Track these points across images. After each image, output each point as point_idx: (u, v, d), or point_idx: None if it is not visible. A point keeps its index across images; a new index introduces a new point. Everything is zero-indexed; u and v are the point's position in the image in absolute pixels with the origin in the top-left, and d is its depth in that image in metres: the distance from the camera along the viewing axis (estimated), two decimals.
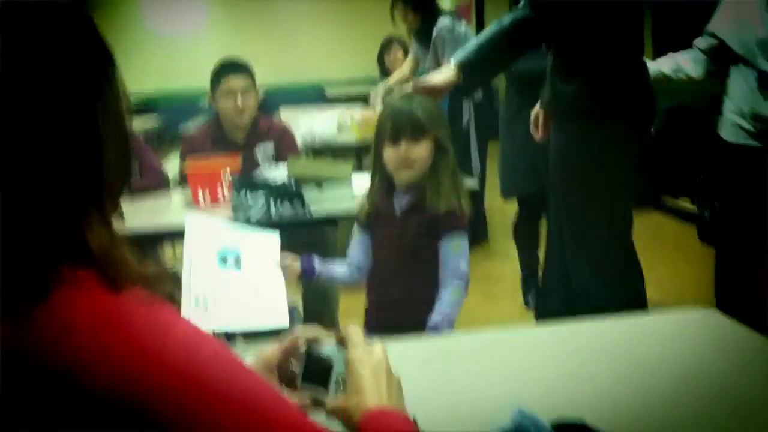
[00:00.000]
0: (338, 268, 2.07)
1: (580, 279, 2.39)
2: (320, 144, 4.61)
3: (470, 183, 4.59)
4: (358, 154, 6.12)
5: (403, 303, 1.96)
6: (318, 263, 2.02)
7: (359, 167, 6.45)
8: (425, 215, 1.93)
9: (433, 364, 1.36)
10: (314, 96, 9.33)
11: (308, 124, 4.65)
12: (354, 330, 0.97)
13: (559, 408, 1.11)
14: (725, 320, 1.51)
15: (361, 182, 2.95)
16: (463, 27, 4.43)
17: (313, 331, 1.03)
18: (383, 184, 2.02)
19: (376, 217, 2.03)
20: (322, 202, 2.61)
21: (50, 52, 0.70)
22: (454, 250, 1.91)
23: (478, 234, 4.95)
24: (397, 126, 1.92)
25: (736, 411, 1.13)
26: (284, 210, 2.49)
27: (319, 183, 2.64)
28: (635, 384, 1.25)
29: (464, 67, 2.26)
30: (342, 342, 0.98)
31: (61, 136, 0.70)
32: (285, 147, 3.19)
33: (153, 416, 0.64)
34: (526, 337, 1.52)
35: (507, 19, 2.26)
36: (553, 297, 2.64)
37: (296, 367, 1.02)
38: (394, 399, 0.90)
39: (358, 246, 2.07)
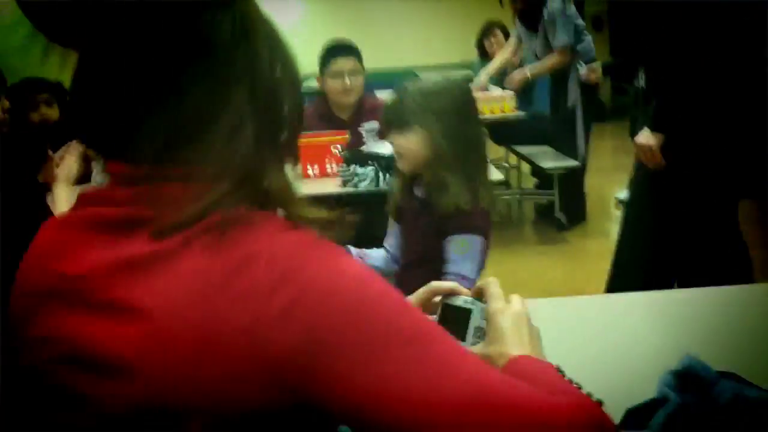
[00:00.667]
0: (375, 255, 1.98)
1: None
2: None
3: (571, 164, 4.61)
4: None
5: None
6: (354, 251, 1.93)
7: None
8: (434, 213, 1.81)
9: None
10: (406, 79, 9.33)
11: None
12: (493, 283, 0.98)
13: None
14: None
15: None
16: (573, 9, 4.38)
17: (449, 284, 1.05)
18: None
19: (400, 209, 1.95)
20: None
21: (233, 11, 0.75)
22: (459, 252, 1.79)
23: (577, 215, 4.93)
24: (385, 116, 1.86)
25: None
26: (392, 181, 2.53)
27: None
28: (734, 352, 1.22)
29: None
30: (479, 295, 0.99)
31: (242, 86, 0.74)
32: None
33: (323, 347, 0.67)
34: (631, 303, 1.51)
35: None
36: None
37: (433, 318, 1.03)
38: (536, 349, 0.92)
39: (391, 235, 1.99)
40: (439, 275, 1.77)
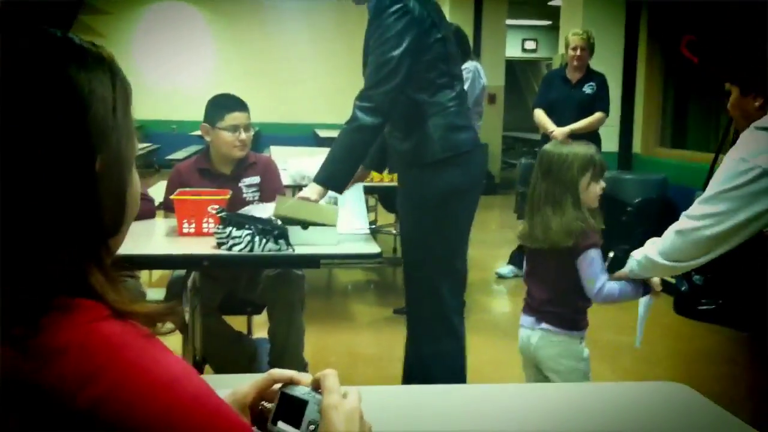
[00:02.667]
0: None
1: None
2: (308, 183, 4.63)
3: None
4: None
5: None
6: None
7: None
8: None
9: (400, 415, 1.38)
10: (306, 137, 9.40)
11: (299, 164, 4.68)
12: (330, 376, 0.99)
13: None
14: (695, 395, 1.54)
15: (347, 222, 3.00)
16: None
17: (289, 373, 1.04)
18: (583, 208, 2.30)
19: None
20: (306, 243, 2.63)
21: (56, 95, 0.74)
22: None
23: None
24: (604, 166, 2.33)
25: None
26: (267, 247, 2.52)
27: (304, 225, 2.67)
28: None
29: None
30: (317, 386, 0.99)
31: (59, 181, 0.73)
32: (270, 181, 3.25)
33: None
34: (493, 395, 1.54)
35: None
36: None
37: (269, 407, 1.02)
38: None
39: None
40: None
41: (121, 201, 0.80)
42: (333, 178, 2.69)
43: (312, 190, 2.69)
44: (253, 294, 3.18)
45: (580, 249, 2.26)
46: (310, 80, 10.68)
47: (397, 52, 2.55)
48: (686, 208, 2.27)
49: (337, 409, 0.94)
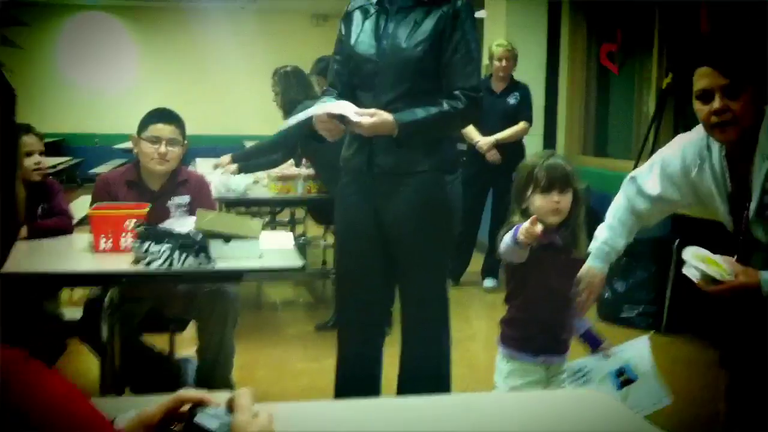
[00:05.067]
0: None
1: None
2: (235, 197, 4.58)
3: None
4: (272, 210, 6.12)
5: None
6: None
7: (273, 222, 6.44)
8: (569, 256, 2.28)
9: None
10: (234, 149, 9.28)
11: (223, 177, 4.62)
12: (244, 395, 0.97)
13: None
14: (613, 403, 1.56)
15: (272, 238, 2.97)
16: None
17: (198, 392, 1.02)
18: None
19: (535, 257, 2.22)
20: (228, 258, 2.59)
21: None
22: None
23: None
24: (553, 178, 2.20)
25: None
26: (187, 262, 2.46)
27: (226, 238, 2.62)
28: None
29: None
30: (230, 406, 0.97)
31: None
32: (201, 199, 3.16)
33: None
34: (419, 408, 1.52)
35: None
36: None
37: (177, 427, 0.99)
38: None
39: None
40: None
41: None
42: (409, 130, 2.54)
43: (384, 118, 2.50)
44: (178, 311, 3.11)
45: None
46: (238, 91, 10.57)
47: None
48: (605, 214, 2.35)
49: (247, 429, 0.92)
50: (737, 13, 4.29)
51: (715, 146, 2.11)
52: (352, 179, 2.74)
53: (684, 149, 2.21)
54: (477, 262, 5.61)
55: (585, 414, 1.49)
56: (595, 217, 2.43)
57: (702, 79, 1.96)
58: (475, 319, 4.93)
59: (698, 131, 2.18)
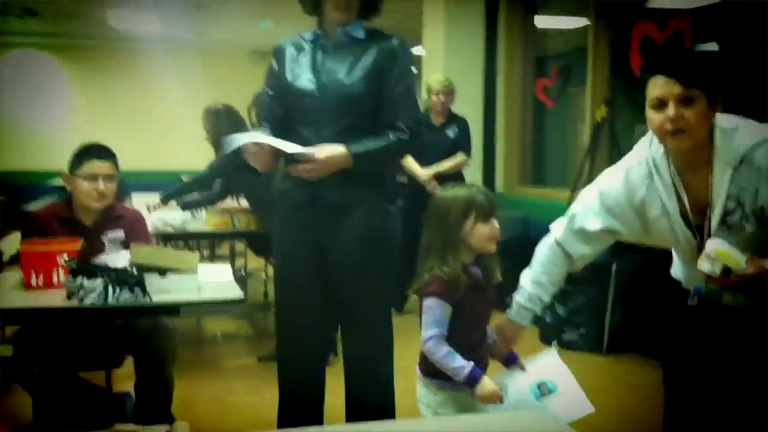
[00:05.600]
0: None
1: None
2: (172, 231, 4.52)
3: None
4: (212, 244, 6.05)
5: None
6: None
7: (213, 256, 6.35)
8: (490, 287, 2.26)
9: None
10: (170, 184, 9.16)
11: (159, 212, 4.56)
12: (181, 427, 0.96)
13: None
14: (556, 424, 1.57)
15: (211, 272, 2.92)
16: None
17: (135, 426, 0.99)
18: (460, 259, 2.19)
19: (466, 287, 2.18)
20: (165, 291, 2.54)
21: None
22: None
23: None
24: (492, 205, 2.21)
25: None
26: (122, 296, 2.40)
27: (162, 272, 2.57)
28: None
29: None
30: None
31: None
32: (136, 235, 3.11)
33: None
34: None
35: None
36: None
37: None
38: None
39: (443, 324, 2.18)
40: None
41: None
42: (362, 160, 2.57)
43: (337, 150, 2.53)
44: (114, 346, 3.02)
45: (421, 296, 2.21)
46: (175, 127, 10.47)
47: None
48: None
49: None
50: (695, 22, 4.38)
51: (662, 162, 2.11)
52: (291, 212, 2.72)
53: (627, 174, 2.18)
54: None
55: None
56: (532, 245, 2.43)
57: (656, 88, 1.97)
58: (419, 348, 4.91)
59: (639, 153, 2.18)
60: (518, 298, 2.33)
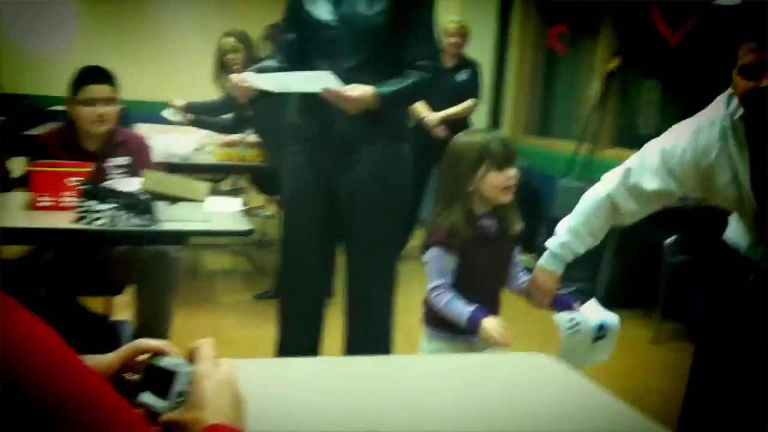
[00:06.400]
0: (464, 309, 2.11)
1: None
2: (177, 161, 4.49)
3: None
4: (214, 179, 6.01)
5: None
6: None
7: (215, 192, 6.30)
8: (506, 238, 2.20)
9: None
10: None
11: (165, 142, 4.51)
12: (206, 344, 0.95)
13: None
14: (556, 364, 1.58)
15: (219, 203, 2.91)
16: None
17: (157, 342, 0.99)
18: (466, 209, 2.12)
19: (471, 241, 2.11)
20: (174, 220, 2.53)
21: None
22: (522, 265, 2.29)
23: None
24: (508, 153, 2.10)
25: None
26: (132, 222, 2.39)
27: (172, 200, 2.56)
28: (472, 414, 1.27)
29: None
30: (191, 356, 0.94)
31: None
32: (141, 161, 3.08)
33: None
34: (380, 366, 1.52)
35: None
36: None
37: (136, 377, 0.96)
38: (237, 417, 0.88)
39: (448, 273, 2.14)
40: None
41: None
42: (390, 102, 2.54)
43: (367, 90, 2.47)
44: (116, 273, 3.03)
45: (424, 247, 2.19)
46: (182, 57, 10.34)
47: None
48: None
49: (209, 378, 0.89)
50: None
51: (739, 125, 1.95)
52: (303, 147, 2.70)
53: (697, 133, 2.01)
54: (417, 236, 5.64)
55: (533, 375, 1.51)
56: (535, 195, 2.42)
57: (749, 54, 1.83)
58: (416, 293, 4.92)
59: (713, 112, 2.01)
60: (549, 244, 2.23)
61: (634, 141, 5.47)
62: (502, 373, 1.56)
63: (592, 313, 2.17)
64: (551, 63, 6.46)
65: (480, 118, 6.05)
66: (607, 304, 4.57)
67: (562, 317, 2.12)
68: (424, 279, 2.20)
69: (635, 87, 5.59)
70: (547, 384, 1.49)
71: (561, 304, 2.21)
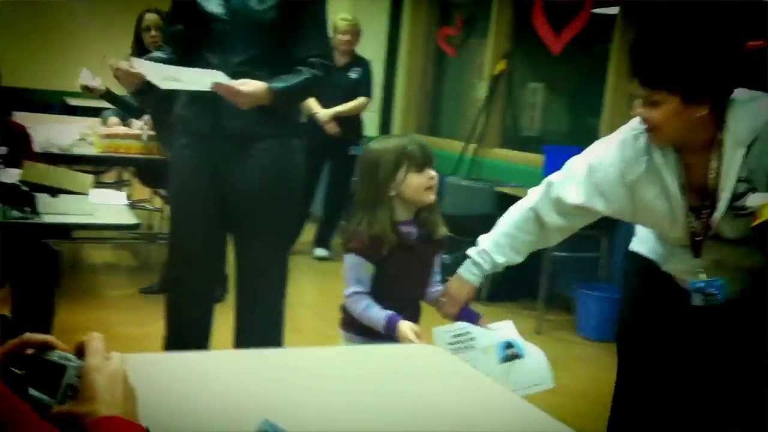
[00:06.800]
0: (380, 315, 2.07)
1: None
2: (59, 152, 4.32)
3: None
4: (97, 170, 5.82)
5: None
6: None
7: (98, 184, 6.09)
8: (430, 244, 2.16)
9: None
10: (54, 106, 8.75)
11: (46, 131, 4.34)
12: (95, 339, 0.94)
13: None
14: (448, 357, 1.64)
15: (103, 195, 2.84)
16: None
17: (44, 336, 0.97)
18: (388, 215, 2.08)
19: (393, 247, 2.08)
20: (56, 212, 2.45)
21: None
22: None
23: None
24: (426, 154, 2.09)
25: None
26: (11, 214, 2.30)
27: (54, 192, 2.48)
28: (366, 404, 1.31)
29: None
30: (80, 350, 0.94)
31: None
32: (21, 152, 2.96)
33: None
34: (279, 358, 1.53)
35: None
36: None
37: (20, 372, 0.94)
38: (129, 409, 0.89)
39: (365, 282, 2.10)
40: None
41: None
42: (282, 98, 2.53)
43: (259, 86, 2.45)
44: None
45: (345, 250, 2.15)
46: (65, 44, 9.93)
47: None
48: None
49: (99, 371, 0.89)
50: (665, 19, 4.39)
51: None
52: (192, 141, 2.66)
53: (622, 146, 1.96)
54: (308, 232, 5.65)
55: (424, 368, 1.56)
56: None
57: (632, 84, 1.85)
58: (306, 286, 4.96)
59: (637, 124, 1.94)
60: (470, 252, 2.18)
61: (519, 142, 5.69)
62: (394, 365, 1.60)
63: (498, 332, 2.11)
64: (441, 63, 6.59)
65: (371, 116, 6.12)
66: (492, 297, 4.75)
67: (441, 330, 2.08)
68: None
69: (520, 89, 5.78)
70: (436, 374, 1.55)
71: (466, 317, 2.18)
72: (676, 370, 2.10)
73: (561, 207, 2.05)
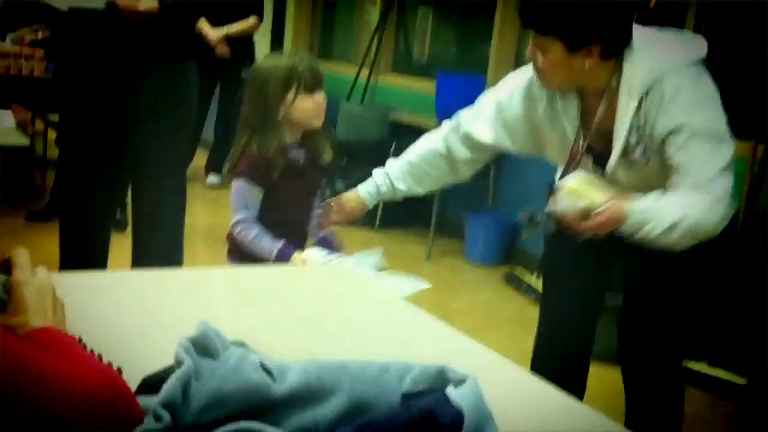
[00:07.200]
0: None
1: None
2: None
3: None
4: None
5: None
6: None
7: None
8: (316, 170, 2.16)
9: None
10: None
11: None
12: (21, 253, 0.96)
13: None
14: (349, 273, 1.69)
15: None
16: None
17: None
18: (278, 138, 2.04)
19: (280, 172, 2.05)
20: None
21: None
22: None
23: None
24: (316, 76, 2.04)
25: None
26: None
27: None
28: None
29: None
30: (5, 266, 0.96)
31: None
32: None
33: None
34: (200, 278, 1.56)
35: None
36: None
37: None
38: (60, 321, 0.92)
39: (253, 208, 2.07)
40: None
41: None
42: (173, 11, 2.41)
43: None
44: None
45: (231, 176, 2.10)
46: None
47: None
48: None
49: (28, 284, 0.92)
50: None
51: None
52: (85, 64, 2.59)
53: (529, 85, 1.94)
54: (200, 158, 5.57)
55: (323, 284, 1.62)
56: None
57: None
58: (199, 215, 4.91)
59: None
60: (375, 171, 2.16)
61: (409, 67, 5.74)
62: (291, 284, 1.64)
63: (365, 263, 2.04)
64: None
65: (262, 37, 6.02)
66: (385, 225, 4.83)
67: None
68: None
69: (411, 14, 5.80)
70: (342, 293, 1.60)
71: (327, 244, 2.18)
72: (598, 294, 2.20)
73: (470, 142, 2.06)
